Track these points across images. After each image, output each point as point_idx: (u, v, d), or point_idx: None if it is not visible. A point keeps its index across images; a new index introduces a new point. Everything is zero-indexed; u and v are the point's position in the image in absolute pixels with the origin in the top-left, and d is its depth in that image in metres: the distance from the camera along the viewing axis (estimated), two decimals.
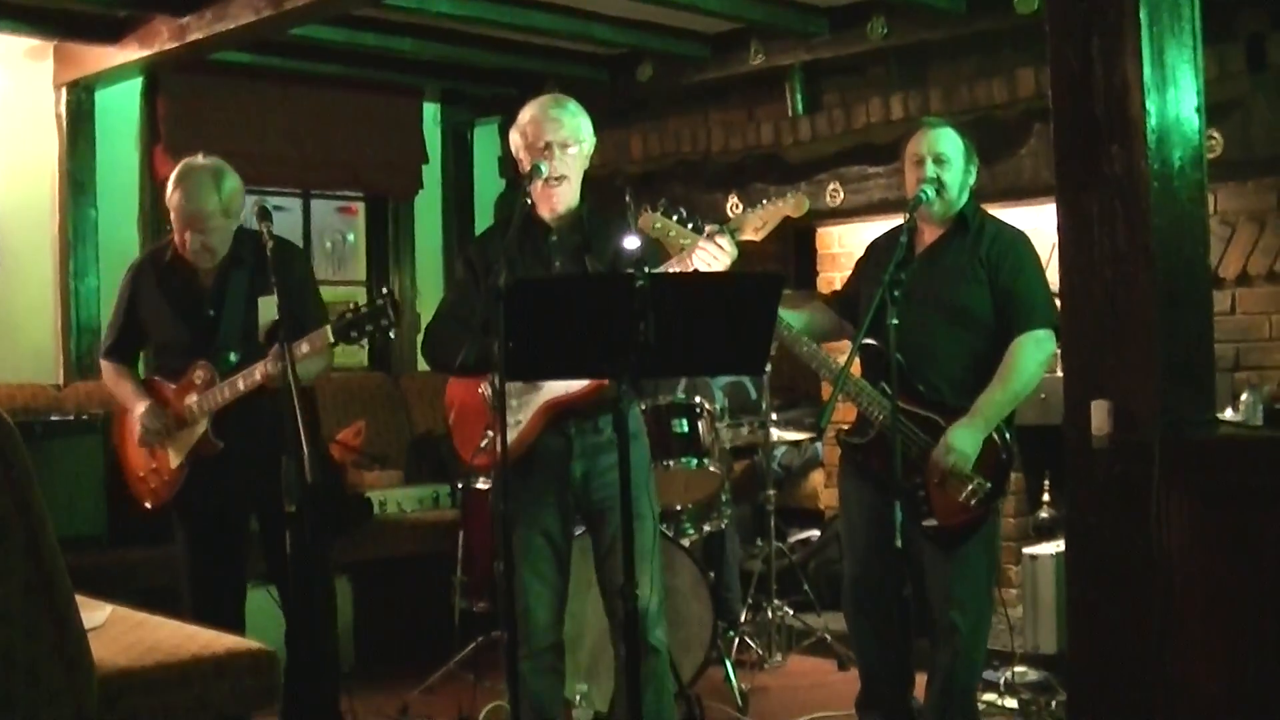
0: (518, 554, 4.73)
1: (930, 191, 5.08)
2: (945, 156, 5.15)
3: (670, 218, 4.88)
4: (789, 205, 4.85)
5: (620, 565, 4.35)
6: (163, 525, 5.71)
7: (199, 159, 5.43)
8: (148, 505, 5.60)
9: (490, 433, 4.84)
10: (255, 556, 5.55)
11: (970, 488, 4.99)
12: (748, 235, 4.82)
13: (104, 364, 5.71)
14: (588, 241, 4.92)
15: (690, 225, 4.85)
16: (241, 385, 5.20)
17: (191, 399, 5.38)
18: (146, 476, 5.55)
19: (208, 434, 5.35)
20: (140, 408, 5.45)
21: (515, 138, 4.98)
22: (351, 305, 5.09)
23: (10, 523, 3.58)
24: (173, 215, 5.40)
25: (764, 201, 4.88)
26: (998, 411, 5.04)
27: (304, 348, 5.11)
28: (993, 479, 5.03)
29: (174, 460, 5.44)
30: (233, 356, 5.36)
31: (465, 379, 4.99)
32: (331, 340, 5.08)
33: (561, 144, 4.87)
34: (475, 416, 4.95)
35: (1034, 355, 5.02)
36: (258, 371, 5.14)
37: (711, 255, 4.73)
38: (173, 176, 5.40)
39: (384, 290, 5.05)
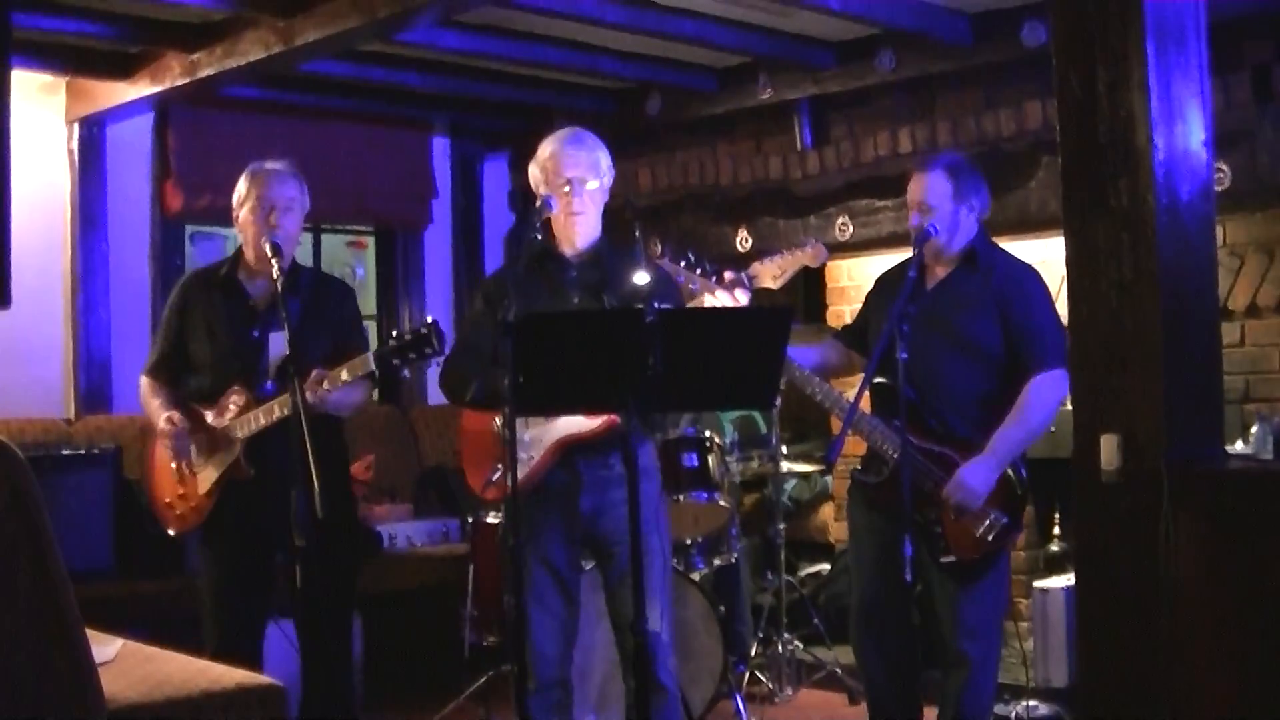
0: (525, 588, 4.75)
1: (937, 225, 5.11)
2: (929, 206, 5.16)
3: (678, 264, 4.89)
4: (807, 256, 4.89)
5: (629, 600, 4.35)
6: (171, 557, 5.70)
7: (267, 162, 5.44)
8: (171, 531, 5.50)
9: (501, 466, 4.85)
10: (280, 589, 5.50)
11: (986, 523, 4.99)
12: (765, 283, 4.86)
13: (143, 381, 5.56)
14: (607, 278, 4.94)
15: (699, 270, 4.87)
16: (277, 412, 5.10)
17: (224, 423, 5.28)
18: (173, 502, 5.43)
19: (239, 460, 5.26)
20: (163, 420, 5.32)
21: (535, 172, 5.01)
22: (394, 333, 5.03)
23: (19, 551, 3.59)
24: (248, 211, 5.32)
25: (782, 251, 4.91)
26: (1012, 449, 5.04)
27: (343, 375, 5.08)
28: (1008, 514, 5.03)
29: (203, 486, 5.33)
30: (270, 385, 5.28)
31: (479, 411, 5.00)
32: (372, 367, 5.02)
33: (581, 179, 4.90)
34: (487, 448, 4.95)
35: (1050, 395, 5.02)
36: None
37: (723, 305, 4.76)
38: (245, 178, 5.38)
39: (429, 319, 4.96)
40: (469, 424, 5.10)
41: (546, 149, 4.98)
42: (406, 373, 5.09)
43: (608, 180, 5.02)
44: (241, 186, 5.38)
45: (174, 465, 5.39)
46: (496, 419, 4.89)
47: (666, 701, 4.87)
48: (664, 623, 4.85)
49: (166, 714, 4.01)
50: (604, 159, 5.01)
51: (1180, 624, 3.93)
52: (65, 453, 6.70)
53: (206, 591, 5.41)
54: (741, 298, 4.81)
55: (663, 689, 4.83)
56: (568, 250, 4.98)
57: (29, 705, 3.63)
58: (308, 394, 5.04)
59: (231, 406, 5.29)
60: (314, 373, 5.08)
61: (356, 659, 6.61)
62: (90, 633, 3.85)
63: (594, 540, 4.97)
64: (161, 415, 5.36)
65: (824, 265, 8.32)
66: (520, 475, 4.76)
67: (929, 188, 5.19)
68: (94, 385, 7.63)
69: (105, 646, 4.33)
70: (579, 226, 4.95)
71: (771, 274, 4.86)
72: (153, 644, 4.68)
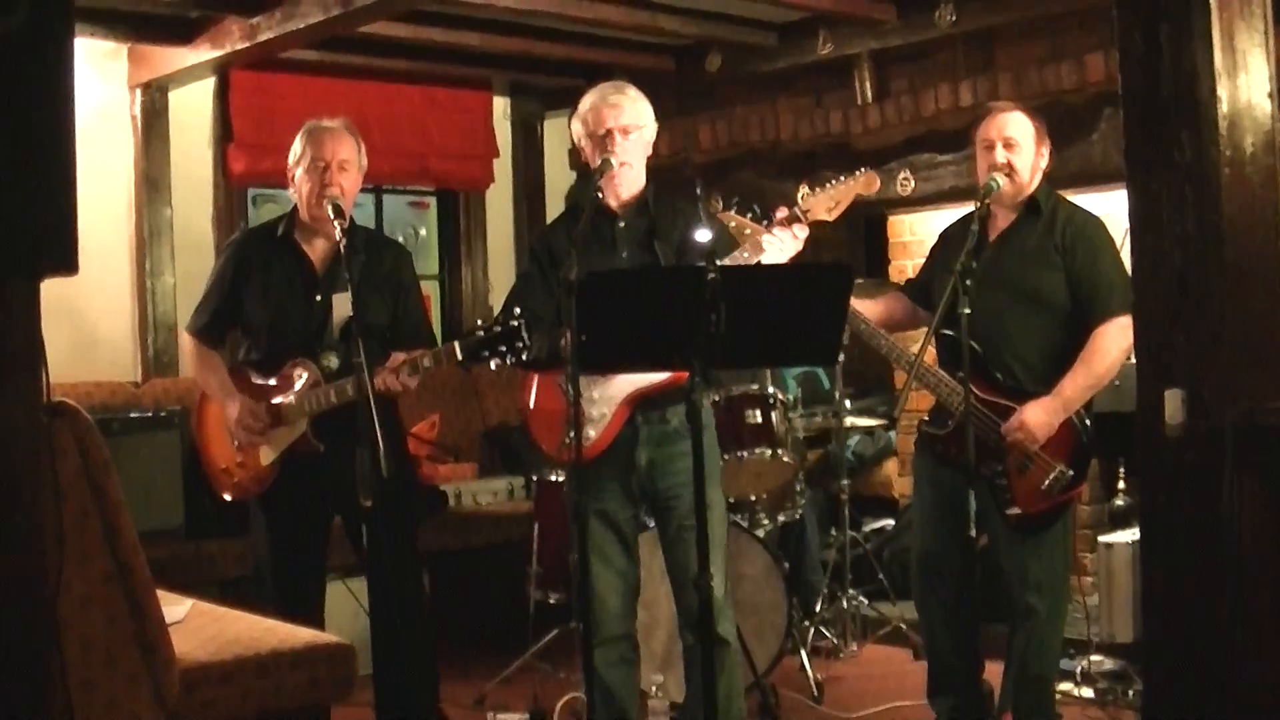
0: (589, 544, 4.77)
1: (999, 180, 5.07)
2: (1015, 140, 5.13)
3: (745, 215, 4.88)
4: (860, 183, 4.86)
5: (688, 555, 4.36)
6: (239, 518, 5.70)
7: (323, 120, 5.41)
8: (227, 497, 5.48)
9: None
10: (336, 550, 5.53)
11: (1052, 475, 4.98)
12: (820, 216, 4.83)
13: (191, 342, 5.52)
14: (655, 228, 4.95)
15: (765, 221, 4.85)
16: (351, 391, 4.99)
17: (289, 398, 5.26)
18: (230, 469, 5.42)
19: (307, 435, 5.25)
20: (235, 407, 5.30)
21: (577, 126, 5.01)
22: (481, 323, 4.95)
23: (89, 514, 3.64)
24: (303, 171, 5.29)
25: (833, 181, 4.88)
26: (1078, 395, 5.02)
27: (426, 361, 5.07)
28: (1073, 466, 5.02)
29: (266, 457, 5.32)
30: (334, 360, 5.24)
31: (542, 372, 5.00)
32: (460, 358, 4.98)
33: (623, 130, 4.90)
34: (555, 409, 4.95)
35: (1118, 342, 4.98)
36: (376, 381, 4.94)
37: (781, 241, 4.75)
38: (301, 136, 5.35)
39: (516, 312, 4.88)
40: (532, 385, 5.09)
41: (588, 101, 4.98)
42: (494, 364, 4.90)
43: (650, 131, 5.01)
44: (297, 145, 5.35)
45: (232, 434, 5.38)
46: (561, 380, 4.89)
47: (727, 655, 4.90)
48: (721, 577, 4.87)
49: (236, 672, 4.07)
50: (646, 110, 5.00)
51: (1244, 578, 3.92)
52: (133, 415, 6.75)
53: (265, 557, 5.42)
54: (800, 233, 4.79)
55: (723, 643, 4.85)
56: (613, 203, 4.98)
57: (101, 661, 3.69)
58: (391, 380, 5.06)
59: (297, 381, 5.27)
60: (396, 358, 5.08)
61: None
62: (160, 593, 3.91)
63: (651, 494, 4.99)
64: (233, 404, 5.32)
65: (886, 220, 8.39)
66: (596, 434, 4.80)
67: (1015, 123, 5.16)
68: (160, 348, 7.70)
69: (175, 607, 4.40)
70: (623, 178, 4.94)
71: (826, 206, 4.84)
72: (222, 604, 4.74)
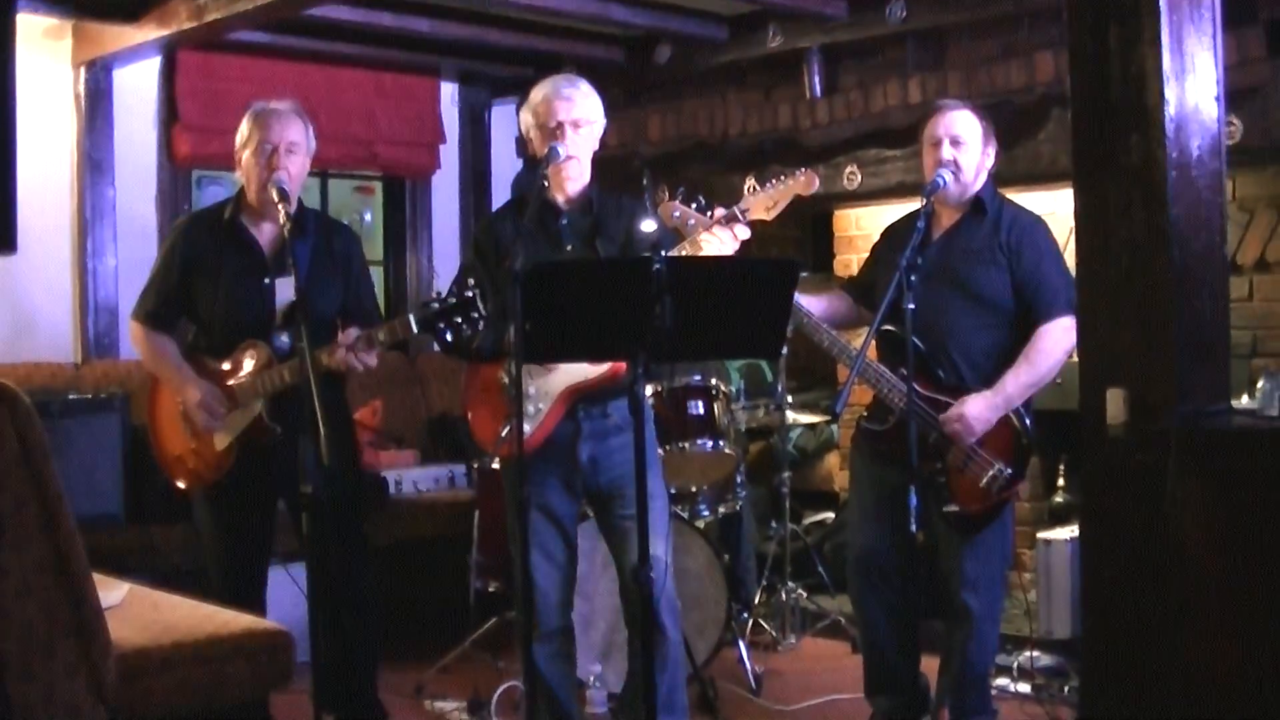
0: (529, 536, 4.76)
1: (946, 176, 5.09)
2: (962, 138, 5.15)
3: (690, 206, 4.87)
4: (799, 184, 4.85)
5: (633, 546, 4.36)
6: (180, 504, 5.65)
7: (271, 102, 5.37)
8: (182, 485, 5.43)
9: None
10: (278, 536, 5.51)
11: (991, 473, 5.00)
12: (759, 215, 4.82)
13: (141, 330, 5.44)
14: (599, 224, 4.94)
15: (710, 214, 4.85)
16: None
17: (243, 380, 5.23)
18: (184, 456, 5.38)
19: (262, 418, 5.22)
20: (196, 391, 5.25)
21: (526, 117, 5.00)
22: (436, 294, 4.93)
23: (27, 500, 3.60)
24: (250, 154, 5.26)
25: (773, 181, 4.88)
26: (1019, 392, 5.05)
27: (381, 336, 5.05)
28: (1013, 465, 5.04)
29: (221, 442, 5.27)
30: (285, 338, 5.22)
31: (484, 364, 4.98)
32: (415, 330, 4.95)
33: (573, 123, 4.89)
34: (495, 404, 4.94)
35: (1060, 342, 5.03)
36: (324, 358, 4.99)
37: (720, 241, 4.74)
38: (248, 119, 5.31)
39: (470, 282, 4.86)
40: (473, 379, 5.08)
41: (539, 93, 4.97)
42: (449, 337, 4.85)
43: (599, 127, 5.01)
44: (244, 128, 5.32)
45: (186, 420, 5.34)
46: (501, 373, 4.88)
47: (667, 647, 4.89)
48: (665, 567, 4.86)
49: (173, 658, 4.04)
50: (596, 104, 5.00)
51: (1185, 578, 3.94)
52: (72, 397, 6.68)
53: (212, 543, 5.39)
54: (741, 233, 4.79)
55: (665, 635, 4.85)
56: (559, 197, 4.97)
57: (39, 650, 3.66)
58: (349, 357, 5.04)
59: (248, 363, 5.24)
60: (350, 333, 5.06)
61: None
62: (97, 577, 3.88)
63: (594, 489, 4.99)
64: (193, 390, 5.27)
65: (832, 215, 8.40)
66: (532, 428, 4.78)
67: (962, 121, 5.18)
68: (101, 330, 7.63)
69: (112, 591, 4.36)
70: (570, 172, 4.94)
71: (765, 205, 4.83)
72: (161, 590, 4.70)
